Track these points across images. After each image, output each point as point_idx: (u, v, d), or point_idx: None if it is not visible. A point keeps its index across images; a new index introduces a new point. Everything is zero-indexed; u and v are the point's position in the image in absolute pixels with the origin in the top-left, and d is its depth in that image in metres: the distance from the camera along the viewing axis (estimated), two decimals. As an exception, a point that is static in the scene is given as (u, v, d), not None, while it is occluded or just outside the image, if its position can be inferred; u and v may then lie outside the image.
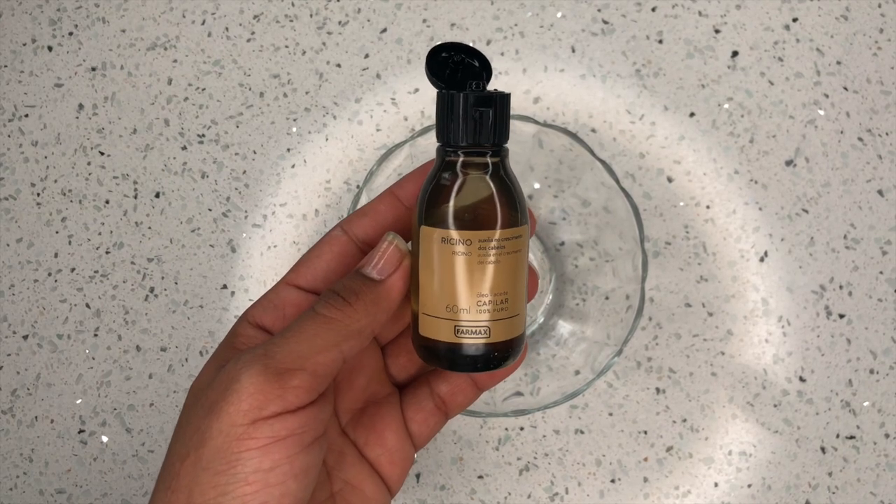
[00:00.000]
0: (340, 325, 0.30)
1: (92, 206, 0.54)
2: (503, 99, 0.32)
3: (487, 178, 0.32)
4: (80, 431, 0.52)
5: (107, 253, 0.53)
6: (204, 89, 0.54)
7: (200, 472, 0.28)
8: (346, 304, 0.31)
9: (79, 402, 0.52)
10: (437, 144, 0.33)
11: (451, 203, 0.31)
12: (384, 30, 0.54)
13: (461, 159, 0.32)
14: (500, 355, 0.32)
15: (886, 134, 0.52)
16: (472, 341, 0.31)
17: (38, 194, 0.54)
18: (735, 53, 0.53)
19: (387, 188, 0.36)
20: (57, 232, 0.54)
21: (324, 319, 0.30)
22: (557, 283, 0.51)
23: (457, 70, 0.33)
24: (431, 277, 0.31)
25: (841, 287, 0.50)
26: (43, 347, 0.53)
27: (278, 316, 0.33)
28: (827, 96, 0.52)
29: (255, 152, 0.53)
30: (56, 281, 0.53)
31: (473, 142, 0.31)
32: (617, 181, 0.43)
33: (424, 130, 0.43)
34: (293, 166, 0.53)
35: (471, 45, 0.33)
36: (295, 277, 0.34)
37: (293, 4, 0.55)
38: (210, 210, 0.53)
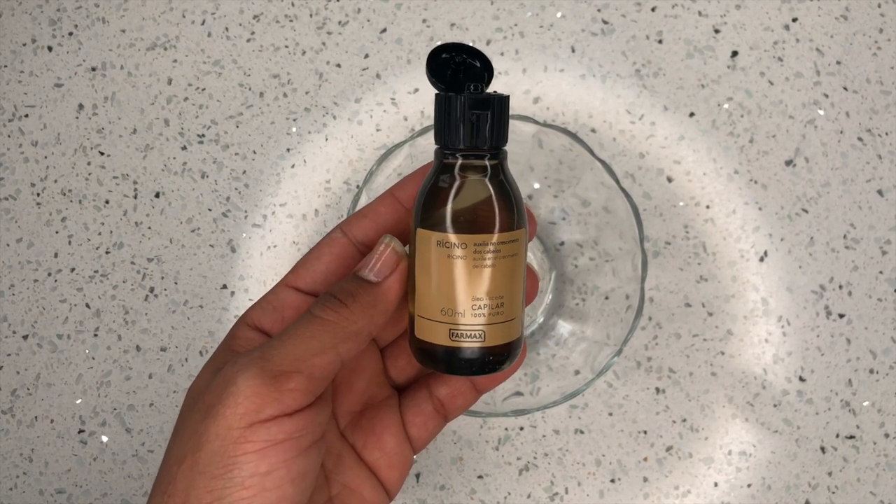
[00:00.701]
0: (337, 327, 0.30)
1: (92, 206, 0.54)
2: (501, 101, 0.32)
3: (486, 181, 0.32)
4: (80, 431, 0.52)
5: (107, 253, 0.53)
6: (204, 89, 0.54)
7: (197, 475, 0.28)
8: (343, 307, 0.30)
9: (79, 402, 0.52)
10: (435, 147, 0.33)
11: (449, 206, 0.31)
12: (384, 30, 0.54)
13: (459, 162, 0.32)
14: (496, 359, 0.32)
15: (886, 134, 0.51)
16: (468, 345, 0.31)
17: (38, 194, 0.54)
18: (735, 53, 0.52)
19: (387, 189, 0.35)
20: (57, 232, 0.54)
21: (320, 322, 0.30)
22: (557, 283, 0.51)
23: (458, 71, 0.32)
24: (428, 280, 0.31)
25: (841, 287, 0.50)
26: (43, 347, 0.53)
27: (277, 318, 0.33)
28: (827, 96, 0.52)
29: (254, 152, 0.53)
30: (56, 281, 0.53)
31: (471, 145, 0.31)
32: (617, 181, 0.43)
33: (424, 130, 0.43)
34: (293, 166, 0.53)
35: (471, 45, 0.32)
36: (294, 279, 0.34)
37: (293, 4, 0.55)
38: (210, 210, 0.53)
